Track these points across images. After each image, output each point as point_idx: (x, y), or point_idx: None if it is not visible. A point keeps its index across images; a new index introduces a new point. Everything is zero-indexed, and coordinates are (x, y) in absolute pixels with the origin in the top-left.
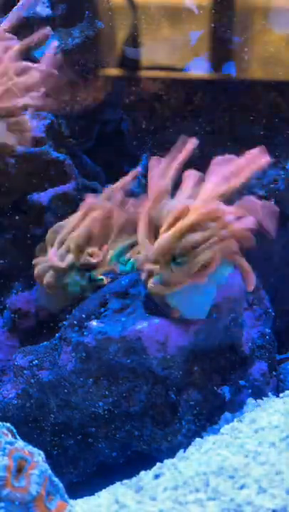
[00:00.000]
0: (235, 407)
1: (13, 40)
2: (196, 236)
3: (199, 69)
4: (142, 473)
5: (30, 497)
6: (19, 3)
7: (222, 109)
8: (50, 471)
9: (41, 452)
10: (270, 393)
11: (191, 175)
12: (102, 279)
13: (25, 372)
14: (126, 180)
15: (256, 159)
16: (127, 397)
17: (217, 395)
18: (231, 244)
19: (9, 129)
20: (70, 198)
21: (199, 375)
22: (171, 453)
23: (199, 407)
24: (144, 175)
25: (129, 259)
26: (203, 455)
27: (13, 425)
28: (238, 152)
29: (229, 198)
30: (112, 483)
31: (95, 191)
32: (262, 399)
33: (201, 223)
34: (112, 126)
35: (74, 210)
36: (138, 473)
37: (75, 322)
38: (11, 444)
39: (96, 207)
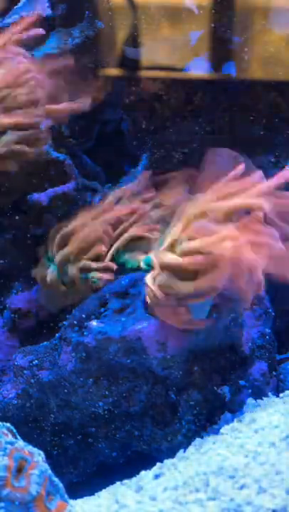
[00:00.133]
0: (235, 407)
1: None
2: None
3: (199, 69)
4: (142, 473)
5: (30, 497)
6: (19, 4)
7: (222, 109)
8: (50, 471)
9: (41, 452)
10: (270, 393)
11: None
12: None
13: (25, 372)
14: (140, 180)
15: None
16: (127, 397)
17: (217, 395)
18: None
19: (22, 142)
20: (70, 198)
21: (199, 375)
22: (171, 453)
23: (199, 407)
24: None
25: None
26: (203, 455)
27: (13, 425)
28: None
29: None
30: (112, 483)
31: (95, 191)
32: (262, 399)
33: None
34: (112, 126)
35: (75, 210)
36: (138, 473)
37: (75, 322)
38: (11, 444)
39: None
